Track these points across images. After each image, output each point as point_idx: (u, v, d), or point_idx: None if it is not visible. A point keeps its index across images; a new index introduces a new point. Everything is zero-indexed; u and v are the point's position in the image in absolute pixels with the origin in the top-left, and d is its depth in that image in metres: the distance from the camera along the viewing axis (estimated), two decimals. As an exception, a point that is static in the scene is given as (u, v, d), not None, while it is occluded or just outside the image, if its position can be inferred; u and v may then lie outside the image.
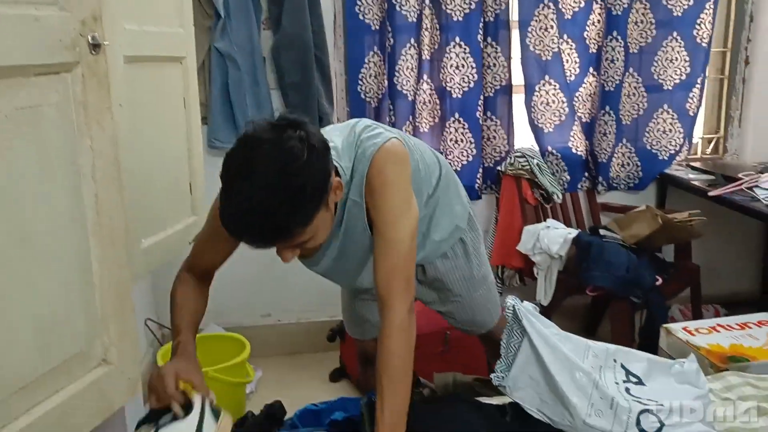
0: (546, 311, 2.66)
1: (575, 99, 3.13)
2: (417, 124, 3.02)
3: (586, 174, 3.23)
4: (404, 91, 2.95)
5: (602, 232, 2.87)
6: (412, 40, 2.91)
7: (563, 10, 3.02)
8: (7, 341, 0.96)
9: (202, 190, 2.07)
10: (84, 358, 1.12)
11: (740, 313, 2.33)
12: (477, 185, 3.11)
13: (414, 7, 2.87)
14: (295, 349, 3.11)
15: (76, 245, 1.08)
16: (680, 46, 3.12)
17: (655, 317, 2.58)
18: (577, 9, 3.04)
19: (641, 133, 3.25)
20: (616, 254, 2.66)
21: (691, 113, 3.20)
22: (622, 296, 2.65)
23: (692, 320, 2.53)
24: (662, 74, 3.17)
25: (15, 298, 0.97)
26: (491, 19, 2.95)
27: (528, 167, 2.98)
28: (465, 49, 2.94)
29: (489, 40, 2.98)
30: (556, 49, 3.01)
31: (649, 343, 2.35)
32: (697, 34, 3.11)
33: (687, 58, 3.13)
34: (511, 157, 3.03)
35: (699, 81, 3.16)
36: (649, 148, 3.25)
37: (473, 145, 3.06)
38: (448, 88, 3.00)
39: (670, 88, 3.17)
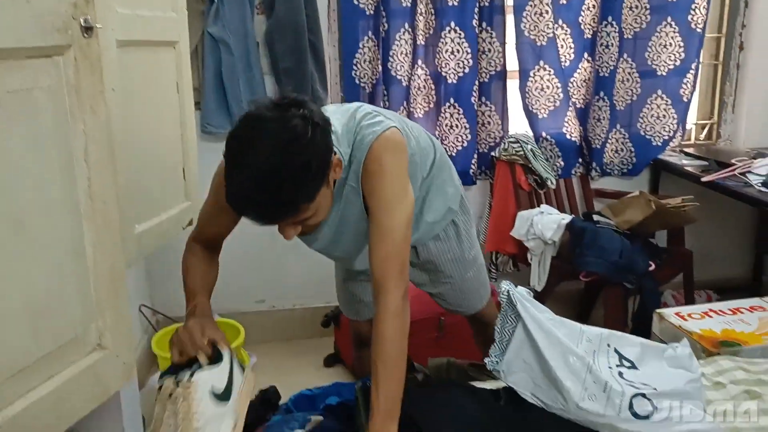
0: (539, 297, 2.67)
1: (570, 84, 3.13)
2: (411, 109, 3.01)
3: (580, 160, 3.23)
4: (398, 77, 2.94)
5: (596, 217, 2.88)
6: (407, 25, 2.90)
7: (558, -6, 3.01)
8: (1, 326, 0.96)
9: (196, 176, 2.06)
10: (79, 343, 1.12)
11: (732, 299, 2.34)
12: (472, 171, 3.11)
13: (408, -9, 2.86)
14: (289, 335, 3.11)
15: (69, 230, 1.08)
16: (674, 32, 3.11)
17: (647, 302, 2.59)
18: (571, -7, 3.03)
19: (635, 119, 3.25)
20: (610, 240, 2.66)
21: (684, 99, 3.20)
22: (615, 282, 2.66)
23: (685, 305, 2.55)
24: (656, 60, 3.16)
25: (8, 283, 0.96)
26: (486, 3, 2.94)
27: (522, 153, 2.98)
28: (460, 34, 2.93)
29: (484, 25, 2.97)
30: (551, 35, 3.00)
31: (642, 329, 2.37)
32: (692, 19, 3.10)
33: (681, 44, 3.12)
34: (505, 143, 3.03)
35: (693, 67, 3.16)
36: (642, 133, 3.25)
37: (468, 131, 3.05)
38: (443, 74, 2.99)
39: (664, 73, 3.17)
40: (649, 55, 3.16)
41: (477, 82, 3.01)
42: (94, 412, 1.20)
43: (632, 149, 3.27)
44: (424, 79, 3.03)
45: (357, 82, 2.92)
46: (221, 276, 2.98)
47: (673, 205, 2.82)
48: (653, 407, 1.39)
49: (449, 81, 3.00)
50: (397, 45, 2.90)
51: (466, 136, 3.06)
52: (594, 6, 3.06)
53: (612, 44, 3.06)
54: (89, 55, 1.07)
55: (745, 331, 2.08)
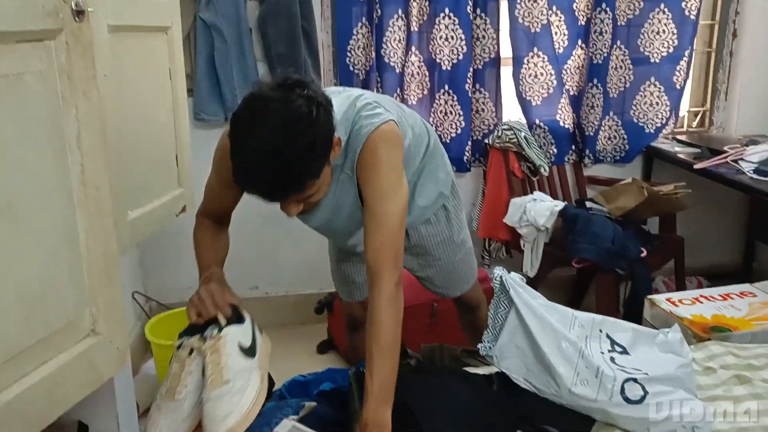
0: (532, 283, 2.67)
1: (563, 72, 3.12)
2: (405, 96, 3.00)
3: (573, 147, 3.24)
4: (392, 63, 2.93)
5: (588, 204, 2.89)
6: (400, 11, 2.88)
7: (552, -19, 3.00)
8: (-6, 312, 0.96)
9: (189, 163, 2.06)
10: (72, 329, 1.11)
11: (723, 285, 2.36)
12: (465, 158, 3.11)
13: (402, -23, 2.85)
14: (282, 322, 3.12)
15: (62, 216, 1.07)
16: (668, 19, 3.11)
17: (639, 289, 2.61)
18: (565, -20, 3.02)
19: (628, 106, 3.25)
20: (602, 226, 2.67)
21: (677, 86, 3.20)
22: (607, 268, 2.67)
23: (676, 291, 2.56)
24: (649, 47, 3.16)
25: (0, 269, 0.96)
26: (480, -11, 2.93)
27: (515, 140, 2.98)
28: (454, 20, 2.92)
29: (478, 11, 2.96)
30: (545, 21, 2.99)
31: (634, 314, 2.39)
32: (686, 6, 3.10)
33: (674, 31, 3.12)
34: (498, 130, 3.02)
35: (686, 54, 3.16)
36: (635, 121, 3.26)
37: (462, 118, 3.05)
38: (437, 60, 2.98)
39: (657, 60, 3.17)
40: (641, 43, 3.16)
41: (471, 69, 3.01)
42: (88, 398, 1.19)
43: (625, 136, 3.27)
44: (418, 66, 3.02)
45: (351, 69, 2.91)
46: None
47: (665, 192, 2.84)
48: (644, 392, 1.40)
49: (443, 67, 2.99)
50: (391, 31, 2.89)
51: (460, 123, 3.06)
52: (588, -8, 3.05)
53: (606, 31, 3.05)
54: (81, 39, 1.06)
55: (735, 317, 2.10)
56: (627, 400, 1.39)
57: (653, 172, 3.31)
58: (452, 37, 2.94)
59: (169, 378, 1.39)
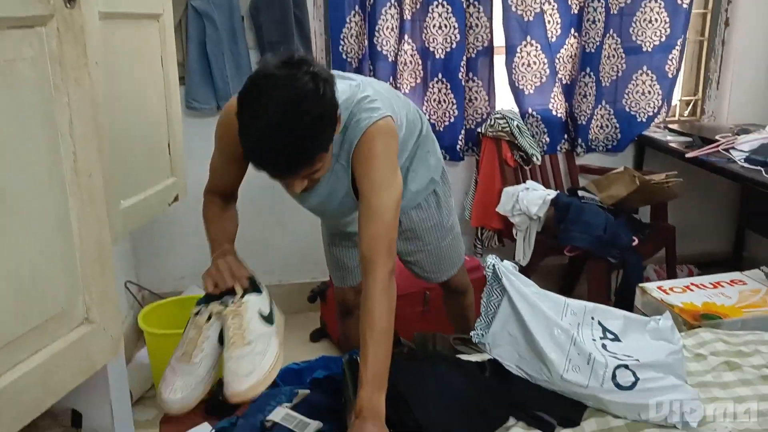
0: (524, 271, 2.68)
1: (556, 60, 3.12)
2: (398, 85, 3.00)
3: (566, 136, 3.24)
4: (384, 52, 2.92)
5: (581, 193, 2.90)
6: (393, 0, 2.87)
7: (545, -31, 3.00)
8: (-14, 300, 0.96)
9: (181, 151, 2.05)
10: (66, 317, 1.11)
11: (713, 273, 2.38)
12: (459, 146, 3.11)
13: (395, -35, 2.83)
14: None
15: (54, 204, 1.07)
16: (660, 7, 3.11)
17: (631, 277, 2.63)
18: (558, -32, 3.02)
19: (620, 95, 3.26)
20: (594, 215, 2.69)
21: (670, 75, 3.21)
22: (599, 256, 2.68)
23: (667, 280, 2.58)
24: (641, 36, 3.17)
25: (-7, 257, 0.96)
26: (473, -22, 2.93)
27: (508, 129, 2.98)
28: (447, 8, 2.91)
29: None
30: (538, 10, 2.99)
31: (625, 302, 2.40)
32: (678, -5, 3.10)
33: (667, 20, 3.13)
34: (491, 119, 3.03)
35: (679, 43, 3.16)
36: (627, 110, 3.27)
37: (455, 107, 3.05)
38: (430, 49, 2.98)
39: (649, 49, 3.18)
40: (634, 31, 3.16)
41: (465, 58, 3.00)
42: (81, 386, 1.20)
43: (617, 125, 3.28)
44: (411, 54, 3.01)
45: (344, 57, 2.91)
46: (207, 254, 2.96)
47: (656, 180, 2.85)
48: (635, 378, 1.41)
49: (437, 56, 2.99)
50: (383, 20, 2.88)
51: (453, 112, 3.06)
52: (581, -19, 3.05)
53: (598, 20, 3.05)
54: (72, 25, 1.06)
55: (725, 305, 2.12)
56: (618, 386, 1.40)
57: (645, 161, 3.32)
58: (445, 26, 2.94)
59: (185, 342, 1.45)
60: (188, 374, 1.42)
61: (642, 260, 2.78)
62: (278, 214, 3.06)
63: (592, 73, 3.13)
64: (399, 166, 1.58)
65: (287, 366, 1.83)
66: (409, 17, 2.94)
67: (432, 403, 1.41)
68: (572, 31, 3.10)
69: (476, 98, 3.09)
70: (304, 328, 3.00)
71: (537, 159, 3.06)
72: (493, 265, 1.55)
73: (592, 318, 1.56)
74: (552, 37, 3.08)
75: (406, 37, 2.96)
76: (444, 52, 2.98)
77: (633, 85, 3.23)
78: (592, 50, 3.10)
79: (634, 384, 1.40)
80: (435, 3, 2.90)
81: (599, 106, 3.23)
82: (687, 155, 2.85)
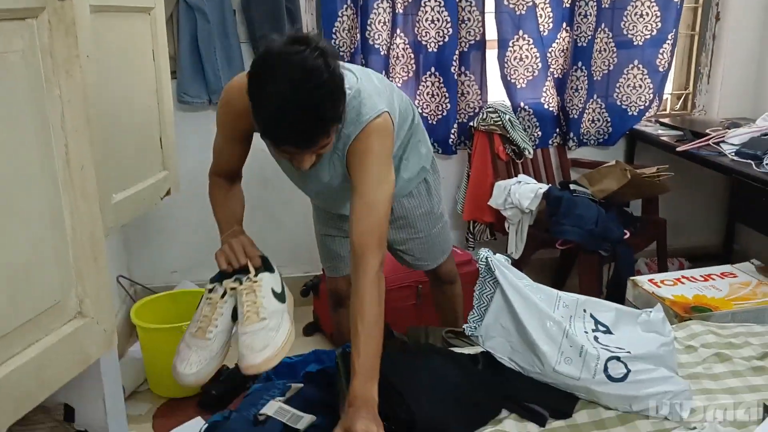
0: (516, 265, 2.67)
1: (548, 54, 3.13)
2: (390, 78, 2.99)
3: (558, 130, 3.25)
4: (376, 46, 2.92)
5: (572, 187, 2.91)
6: (385, -7, 2.87)
7: (537, -37, 3.00)
8: (-22, 294, 0.95)
9: (173, 145, 2.04)
10: (59, 310, 1.11)
11: (704, 266, 2.40)
12: (451, 140, 3.11)
13: (387, -42, 2.83)
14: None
15: (46, 196, 1.06)
16: (651, 1, 3.12)
17: (622, 270, 2.64)
18: (550, -38, 3.02)
19: (612, 89, 3.27)
20: (586, 208, 2.69)
21: (660, 69, 3.22)
22: (590, 249, 2.69)
23: (658, 273, 2.59)
24: (632, 29, 3.17)
25: (-15, 250, 0.96)
26: (465, -29, 2.92)
27: (500, 123, 2.99)
28: (440, 2, 2.91)
29: (463, -7, 2.96)
30: (530, 4, 2.99)
31: (617, 295, 2.42)
32: (669, -11, 3.11)
33: (658, 14, 3.14)
34: (483, 113, 3.03)
35: (670, 37, 3.17)
36: (619, 103, 3.28)
37: (448, 100, 3.05)
38: (423, 42, 2.98)
39: (640, 43, 3.19)
40: (625, 25, 3.17)
41: (457, 52, 3.00)
42: (74, 380, 1.19)
43: (608, 119, 3.29)
44: (403, 48, 3.01)
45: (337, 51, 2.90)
46: (199, 247, 2.97)
47: (648, 174, 2.86)
48: (627, 370, 1.42)
49: (429, 50, 2.99)
50: (376, 13, 2.88)
51: (446, 106, 3.06)
52: (572, -25, 3.05)
53: (590, 14, 3.06)
54: (63, 18, 1.05)
55: (715, 297, 2.13)
56: (610, 377, 1.41)
57: (636, 155, 3.34)
58: (438, 20, 2.94)
59: (199, 319, 1.51)
60: (203, 349, 1.47)
61: (633, 253, 2.80)
62: (271, 209, 3.06)
63: (583, 67, 3.14)
64: (393, 157, 1.63)
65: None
66: (401, 11, 2.94)
67: (425, 395, 1.41)
68: (564, 25, 3.10)
69: (468, 92, 3.10)
70: (297, 321, 2.94)
71: (529, 153, 3.07)
72: (486, 258, 1.56)
73: (584, 310, 1.57)
74: (544, 31, 3.08)
75: (398, 30, 2.96)
76: (436, 46, 2.98)
77: (624, 79, 3.24)
78: (584, 44, 3.11)
79: (625, 376, 1.41)
80: (427, -4, 2.90)
81: (591, 100, 3.24)
82: (678, 149, 2.86)
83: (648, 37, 3.17)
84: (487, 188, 2.97)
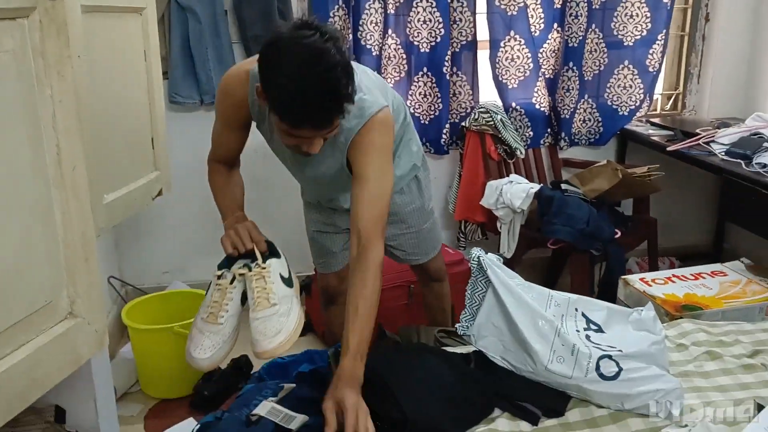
0: (508, 264, 2.67)
1: (539, 55, 3.13)
2: (383, 78, 2.99)
3: (549, 130, 3.26)
4: (368, 46, 2.92)
5: (564, 186, 2.92)
6: (377, -7, 2.87)
7: (528, -36, 3.00)
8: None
9: (165, 145, 2.04)
10: (50, 310, 1.11)
11: (694, 265, 2.41)
12: (443, 140, 3.12)
13: (378, -41, 2.83)
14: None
15: (37, 196, 1.06)
16: (641, 2, 3.14)
17: (613, 269, 2.65)
18: (541, -37, 3.03)
19: (602, 89, 3.28)
20: (577, 208, 2.70)
21: (651, 69, 3.24)
22: (582, 249, 2.70)
23: (649, 272, 2.61)
24: (622, 30, 3.19)
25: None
26: (456, -28, 2.93)
27: (492, 123, 2.99)
28: (431, 3, 2.91)
29: (455, -6, 2.96)
30: (522, 4, 3.00)
31: (608, 294, 2.43)
32: (659, -10, 3.13)
33: (648, 15, 3.15)
34: (475, 113, 3.04)
35: (660, 38, 3.19)
36: (610, 104, 3.29)
37: (440, 100, 3.06)
38: (415, 43, 2.98)
39: (630, 44, 3.20)
40: (615, 26, 3.18)
41: (449, 52, 3.01)
42: (65, 382, 1.19)
43: (599, 119, 3.30)
44: (395, 49, 3.01)
45: (327, 51, 2.90)
46: (190, 247, 2.96)
47: (638, 174, 2.87)
48: (619, 368, 1.42)
49: (422, 50, 2.99)
50: (367, 14, 2.88)
51: (438, 106, 3.07)
52: (563, -25, 3.06)
53: (581, 14, 3.07)
54: (55, 18, 1.05)
55: (706, 296, 2.14)
56: (602, 376, 1.41)
57: (627, 155, 3.35)
58: (430, 20, 2.94)
59: (209, 304, 1.54)
60: (215, 334, 1.50)
61: (624, 252, 2.81)
62: (263, 208, 3.04)
63: (574, 68, 3.15)
64: None
65: (272, 360, 1.83)
66: (393, 11, 2.94)
67: (418, 394, 1.41)
68: (555, 25, 3.11)
69: (460, 92, 3.10)
70: (289, 322, 2.98)
71: (520, 152, 3.07)
72: (478, 258, 1.56)
73: (576, 309, 1.57)
74: (535, 31, 3.09)
75: (390, 31, 2.97)
76: (429, 47, 2.98)
77: (615, 79, 3.26)
78: (575, 45, 3.12)
79: (617, 374, 1.42)
80: (419, -3, 2.91)
81: (582, 100, 3.25)
82: (668, 149, 2.88)
83: (638, 37, 3.19)
84: (479, 188, 2.97)
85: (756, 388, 1.52)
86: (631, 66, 3.23)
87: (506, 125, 3.04)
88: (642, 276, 2.31)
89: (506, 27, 3.04)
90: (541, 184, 2.93)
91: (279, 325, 1.47)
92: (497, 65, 3.10)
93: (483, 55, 3.11)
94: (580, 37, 3.11)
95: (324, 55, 1.34)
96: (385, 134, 1.62)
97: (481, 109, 3.02)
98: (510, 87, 3.14)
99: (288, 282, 1.58)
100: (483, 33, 3.07)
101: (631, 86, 3.26)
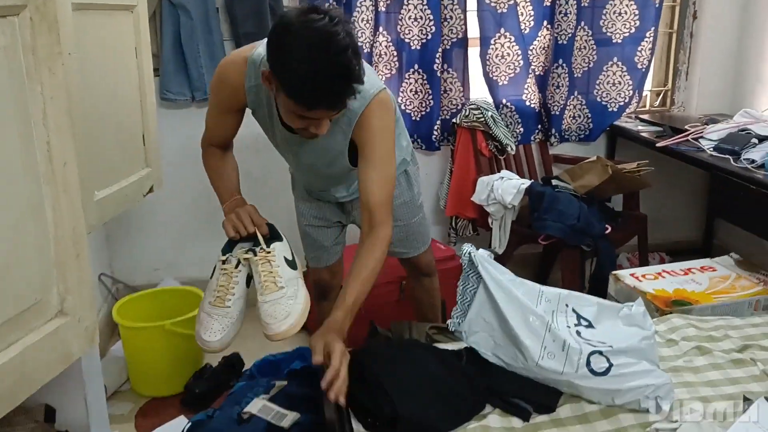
0: (499, 260, 2.69)
1: (529, 52, 3.14)
2: (373, 75, 2.99)
3: (539, 126, 3.27)
4: (359, 43, 2.91)
5: (554, 182, 2.92)
6: (367, -10, 2.87)
7: (518, -39, 3.01)
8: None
9: (156, 142, 2.03)
10: (40, 308, 1.10)
11: (684, 260, 2.42)
12: (434, 137, 3.12)
13: (369, -45, 2.83)
14: (252, 302, 3.11)
15: (28, 193, 1.05)
16: (629, 0, 3.15)
17: (604, 264, 2.66)
18: (531, -40, 3.03)
19: (592, 86, 3.29)
20: (568, 204, 2.71)
21: (639, 66, 3.25)
22: (572, 244, 2.71)
23: (639, 267, 2.62)
24: (611, 27, 3.20)
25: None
26: (447, -31, 2.93)
27: (483, 119, 3.00)
28: (422, 0, 2.91)
29: (446, -9, 2.96)
30: (512, 2, 3.01)
31: (599, 290, 2.43)
32: (648, -12, 3.14)
33: (636, 12, 3.17)
34: (466, 110, 3.04)
35: (649, 35, 3.20)
36: (599, 100, 3.30)
37: (431, 97, 3.06)
38: (406, 40, 2.98)
39: (619, 41, 3.22)
40: (604, 23, 3.20)
41: (440, 49, 3.01)
42: (55, 380, 1.18)
43: (589, 116, 3.32)
44: (386, 46, 3.01)
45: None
46: (182, 244, 2.95)
47: (628, 170, 2.89)
48: (609, 364, 1.43)
49: (413, 47, 2.99)
50: (358, 11, 2.88)
51: (429, 102, 3.07)
52: (553, -27, 3.07)
53: (570, 12, 3.08)
54: (46, 15, 1.04)
55: (696, 291, 2.16)
56: (592, 372, 1.42)
57: (617, 151, 3.37)
58: (420, 17, 2.94)
59: (216, 288, 1.57)
60: (223, 317, 1.55)
61: (615, 248, 2.82)
62: (256, 204, 3.04)
63: (564, 65, 3.16)
64: None
65: (264, 358, 1.83)
66: (383, 9, 2.94)
67: (410, 390, 1.42)
68: (545, 23, 3.12)
69: (451, 89, 3.11)
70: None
71: (511, 149, 3.08)
72: (470, 253, 1.57)
73: (567, 305, 1.59)
74: (525, 29, 3.10)
75: (381, 28, 2.96)
76: (420, 44, 2.98)
77: (604, 76, 3.27)
78: (565, 42, 3.13)
79: (607, 370, 1.43)
80: (409, -6, 2.90)
81: (572, 96, 3.26)
82: (658, 144, 2.90)
83: (627, 35, 3.20)
84: (470, 184, 2.98)
85: (745, 383, 1.53)
86: (620, 63, 3.24)
87: (497, 122, 3.05)
88: (632, 271, 2.33)
89: (496, 24, 3.05)
90: (532, 180, 2.94)
91: (288, 308, 1.51)
92: (488, 62, 3.10)
93: (473, 52, 3.11)
94: (570, 35, 3.12)
95: (334, 39, 1.36)
96: (388, 114, 1.66)
97: (472, 106, 3.03)
98: (500, 84, 3.14)
99: (292, 264, 1.60)
100: (473, 30, 3.07)
101: (620, 83, 3.27)
